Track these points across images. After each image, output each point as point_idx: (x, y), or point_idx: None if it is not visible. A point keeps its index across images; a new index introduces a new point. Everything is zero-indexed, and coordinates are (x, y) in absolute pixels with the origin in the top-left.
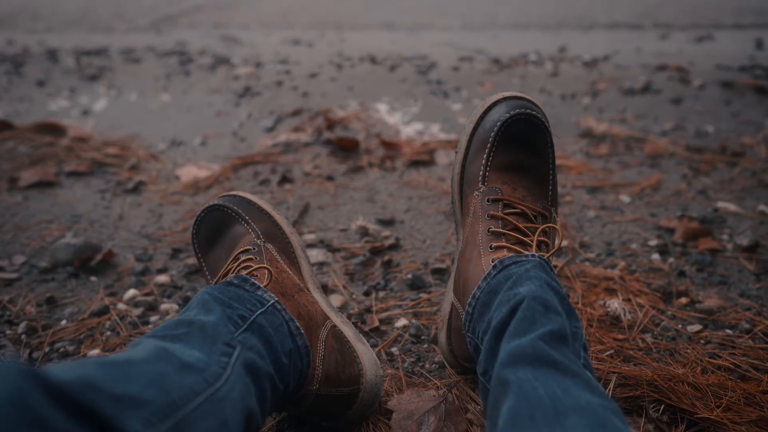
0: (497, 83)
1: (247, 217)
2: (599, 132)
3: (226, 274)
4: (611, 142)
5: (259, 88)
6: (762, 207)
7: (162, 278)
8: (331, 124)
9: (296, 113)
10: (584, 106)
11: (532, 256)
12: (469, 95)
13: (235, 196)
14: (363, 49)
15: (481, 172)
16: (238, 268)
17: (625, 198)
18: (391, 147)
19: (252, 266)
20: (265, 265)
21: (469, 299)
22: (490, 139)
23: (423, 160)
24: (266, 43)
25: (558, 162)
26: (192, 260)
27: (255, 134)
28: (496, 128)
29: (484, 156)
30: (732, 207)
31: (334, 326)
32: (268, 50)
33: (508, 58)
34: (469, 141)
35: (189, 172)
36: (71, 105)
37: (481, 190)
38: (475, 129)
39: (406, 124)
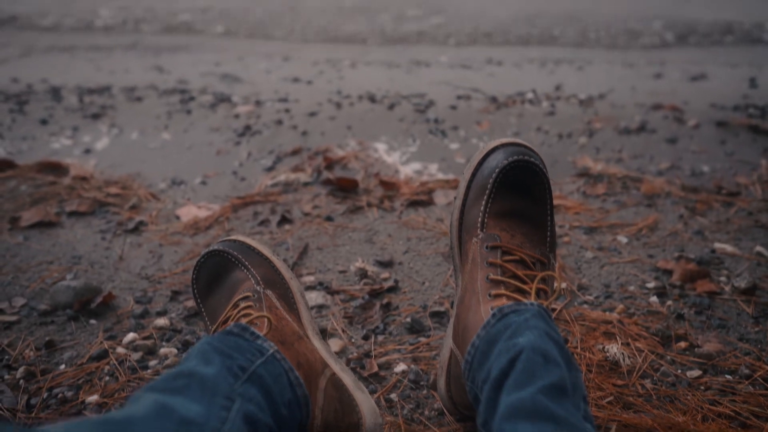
0: (495, 122)
1: (246, 263)
2: (596, 171)
3: (225, 321)
4: (608, 182)
5: (259, 127)
6: (759, 248)
7: (161, 321)
8: (330, 164)
9: (296, 152)
10: (581, 145)
11: (531, 304)
12: (467, 134)
13: (234, 240)
14: (362, 86)
15: (479, 219)
16: (237, 316)
17: (622, 238)
18: (389, 187)
19: (252, 314)
20: (264, 314)
21: (468, 347)
22: (489, 186)
23: (421, 200)
24: (266, 80)
25: (555, 202)
26: (191, 303)
27: (255, 173)
28: (494, 175)
29: (483, 202)
30: (729, 248)
31: (334, 374)
32: (268, 88)
33: (505, 96)
34: (468, 187)
35: (189, 212)
36: (73, 143)
37: (479, 236)
38: (473, 175)
39: (404, 164)
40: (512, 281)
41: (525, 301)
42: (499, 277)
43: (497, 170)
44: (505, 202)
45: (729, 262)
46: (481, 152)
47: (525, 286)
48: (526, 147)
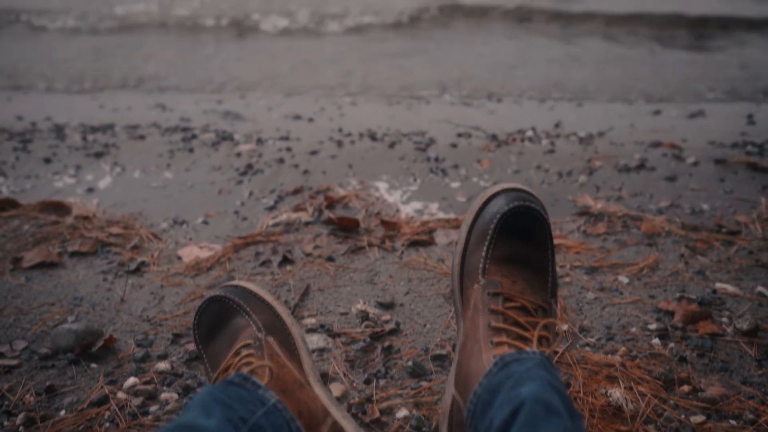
0: (495, 160)
1: (248, 309)
2: (596, 210)
3: (227, 369)
4: (608, 221)
5: (260, 166)
6: (760, 288)
7: (162, 365)
8: (331, 203)
9: (297, 191)
10: (581, 184)
11: (533, 353)
12: (468, 173)
13: (236, 286)
14: (362, 123)
15: (481, 265)
16: (239, 364)
17: (623, 279)
18: (390, 227)
19: (253, 362)
20: (266, 363)
21: (471, 396)
22: (490, 232)
23: (422, 240)
24: (268, 118)
25: (556, 241)
26: (192, 346)
27: (256, 213)
28: (495, 221)
29: (484, 248)
30: (730, 288)
31: (335, 422)
32: (269, 126)
33: (505, 134)
34: (469, 232)
35: (191, 253)
36: (76, 182)
37: (481, 282)
38: (474, 220)
39: (405, 203)
40: (514, 329)
41: (527, 349)
42: (501, 325)
43: (498, 216)
44: (506, 248)
45: (731, 303)
46: (482, 197)
47: (527, 334)
48: (526, 192)
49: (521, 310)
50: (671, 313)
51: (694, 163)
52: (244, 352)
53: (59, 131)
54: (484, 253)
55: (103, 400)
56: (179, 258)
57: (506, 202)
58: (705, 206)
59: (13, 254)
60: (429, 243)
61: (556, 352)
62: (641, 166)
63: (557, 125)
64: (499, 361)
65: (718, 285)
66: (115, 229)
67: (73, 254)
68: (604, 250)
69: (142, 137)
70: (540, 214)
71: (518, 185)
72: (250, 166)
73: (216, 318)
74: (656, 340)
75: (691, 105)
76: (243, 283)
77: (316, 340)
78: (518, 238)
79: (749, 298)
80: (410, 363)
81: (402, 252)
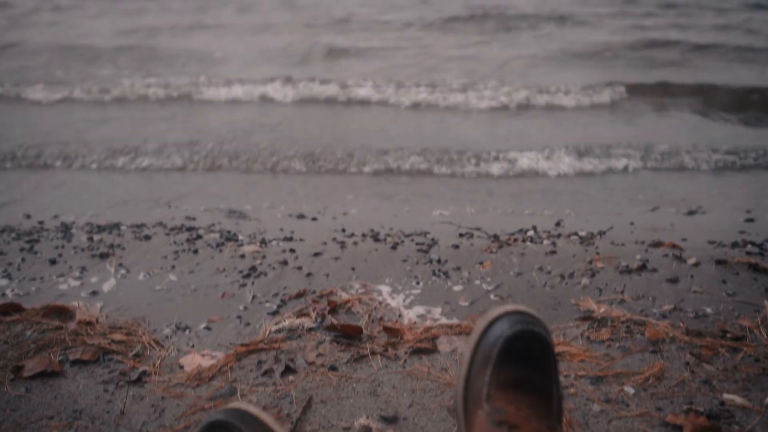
0: (497, 262)
1: None
2: (599, 315)
3: None
4: (612, 326)
5: (264, 268)
6: None
7: None
8: (334, 308)
9: (300, 295)
10: (583, 286)
11: None
12: (470, 276)
13: (237, 409)
14: (365, 222)
15: (485, 390)
16: None
17: (629, 389)
18: (393, 333)
19: None
20: None
21: None
22: (493, 357)
23: (425, 347)
24: (272, 216)
25: (560, 348)
26: None
27: (259, 318)
28: (498, 345)
29: (488, 373)
30: (738, 399)
31: None
32: (273, 225)
33: (506, 234)
34: (472, 355)
35: (193, 361)
36: (81, 285)
37: (485, 409)
38: (478, 343)
39: (407, 307)
40: None
41: None
42: None
43: (502, 340)
44: (510, 373)
45: (739, 416)
46: (486, 319)
47: None
48: (529, 315)
49: None
50: (679, 428)
51: (695, 264)
52: None
53: (66, 230)
54: (487, 378)
55: None
56: (181, 367)
57: (509, 325)
58: (708, 310)
59: (15, 362)
60: (432, 351)
61: None
62: (643, 267)
63: (558, 224)
64: None
65: (726, 396)
66: (118, 336)
67: (75, 362)
68: (608, 357)
69: (147, 237)
70: (543, 337)
71: (521, 307)
72: (253, 269)
73: None
74: None
75: (688, 200)
76: (244, 406)
77: None
78: (522, 363)
79: (758, 410)
80: None
81: (405, 360)
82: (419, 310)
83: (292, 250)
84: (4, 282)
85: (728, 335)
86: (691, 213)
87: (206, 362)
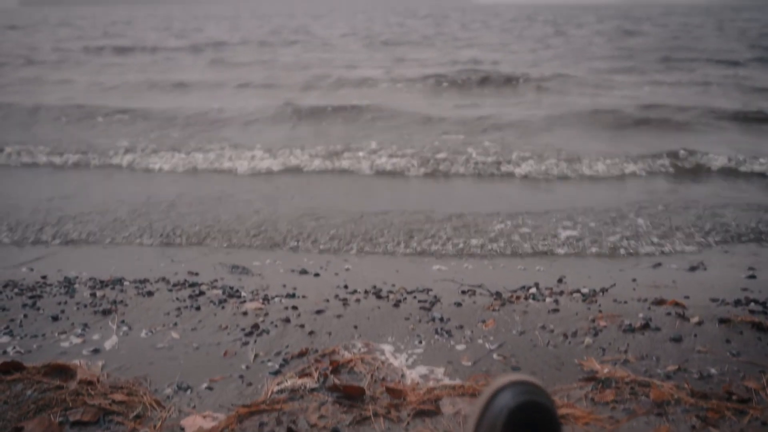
0: (500, 320)
1: None
2: (603, 375)
3: None
4: (616, 387)
5: (266, 326)
6: None
7: None
8: (336, 368)
9: (302, 354)
10: (586, 345)
11: None
12: (473, 334)
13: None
14: (367, 279)
15: None
16: None
17: None
18: (396, 394)
19: None
20: None
21: None
22: (498, 428)
23: (428, 409)
24: (274, 272)
25: (564, 411)
26: None
27: (261, 377)
28: (502, 417)
29: None
30: None
31: None
32: (276, 281)
33: (508, 292)
34: (477, 426)
35: (194, 423)
36: (83, 342)
37: None
38: (482, 414)
39: (410, 367)
40: None
41: None
42: None
43: (506, 411)
44: None
45: None
46: (491, 390)
47: None
48: (533, 385)
49: None
50: None
51: (699, 323)
52: None
53: (69, 286)
54: None
55: None
56: (182, 429)
57: (513, 396)
58: (713, 370)
59: (14, 423)
60: (435, 413)
61: None
62: (646, 326)
63: (560, 280)
64: None
65: None
66: (119, 396)
67: (75, 423)
68: (613, 420)
69: (150, 294)
70: (546, 408)
71: (525, 378)
72: (256, 326)
73: None
74: None
75: (690, 256)
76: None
77: None
78: None
79: None
80: None
81: (408, 423)
82: (422, 370)
83: (294, 308)
84: (5, 339)
85: (734, 397)
86: (692, 269)
87: (207, 424)
